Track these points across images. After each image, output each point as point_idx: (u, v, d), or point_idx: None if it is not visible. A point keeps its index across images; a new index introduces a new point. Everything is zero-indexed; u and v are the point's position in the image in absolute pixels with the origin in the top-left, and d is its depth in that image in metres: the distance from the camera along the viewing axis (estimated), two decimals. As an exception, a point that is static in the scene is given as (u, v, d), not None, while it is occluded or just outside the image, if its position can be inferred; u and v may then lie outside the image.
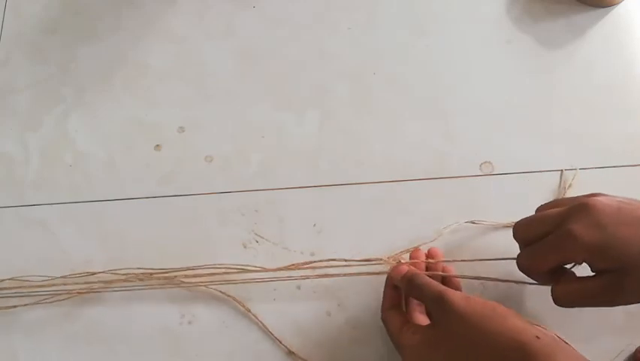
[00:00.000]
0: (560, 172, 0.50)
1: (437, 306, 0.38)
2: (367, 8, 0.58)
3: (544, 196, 0.49)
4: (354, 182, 0.51)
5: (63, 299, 0.48)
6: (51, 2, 0.62)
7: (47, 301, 0.48)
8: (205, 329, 0.47)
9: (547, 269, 0.39)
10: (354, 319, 0.46)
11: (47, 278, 0.49)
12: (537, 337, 0.35)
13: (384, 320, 0.42)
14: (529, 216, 0.41)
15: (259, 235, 0.50)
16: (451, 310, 0.37)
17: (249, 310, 0.47)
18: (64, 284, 0.48)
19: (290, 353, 0.45)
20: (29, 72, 0.59)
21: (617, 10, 0.56)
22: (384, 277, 0.44)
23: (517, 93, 0.54)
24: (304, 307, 0.47)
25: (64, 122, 0.56)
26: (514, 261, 0.41)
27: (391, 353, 0.45)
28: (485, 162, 0.51)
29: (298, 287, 0.48)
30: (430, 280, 0.41)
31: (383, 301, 0.43)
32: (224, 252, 0.49)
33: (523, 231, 0.41)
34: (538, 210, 0.42)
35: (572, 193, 0.48)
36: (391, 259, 0.46)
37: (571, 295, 0.39)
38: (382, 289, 0.44)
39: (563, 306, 0.39)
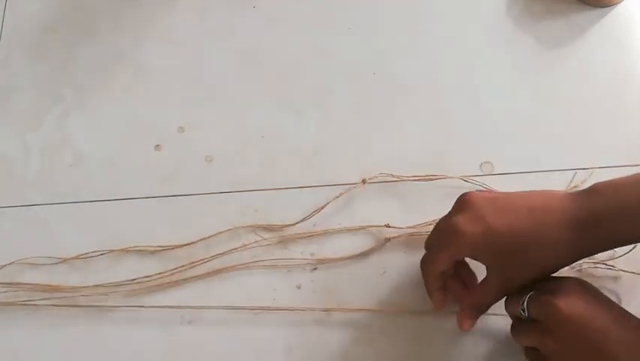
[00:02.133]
0: (559, 172, 0.50)
1: (549, 316, 0.37)
2: (367, 8, 0.58)
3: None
4: (354, 182, 0.51)
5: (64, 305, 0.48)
6: (51, 2, 0.62)
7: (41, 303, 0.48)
8: (205, 328, 0.47)
9: (441, 268, 0.42)
10: (354, 319, 0.46)
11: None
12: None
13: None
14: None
15: (259, 235, 0.50)
16: (561, 322, 0.36)
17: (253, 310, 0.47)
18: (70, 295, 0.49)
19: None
20: (29, 72, 0.59)
21: (617, 10, 0.56)
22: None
23: (517, 93, 0.54)
24: (304, 307, 0.47)
25: (64, 122, 0.56)
26: None
27: (391, 353, 0.45)
28: (485, 162, 0.51)
29: (298, 287, 0.48)
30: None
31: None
32: (224, 252, 0.49)
33: (427, 242, 0.44)
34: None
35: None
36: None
37: (481, 298, 0.41)
38: (382, 288, 0.45)
39: (475, 316, 0.42)
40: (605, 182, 0.38)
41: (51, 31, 0.60)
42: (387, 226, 0.48)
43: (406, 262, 0.48)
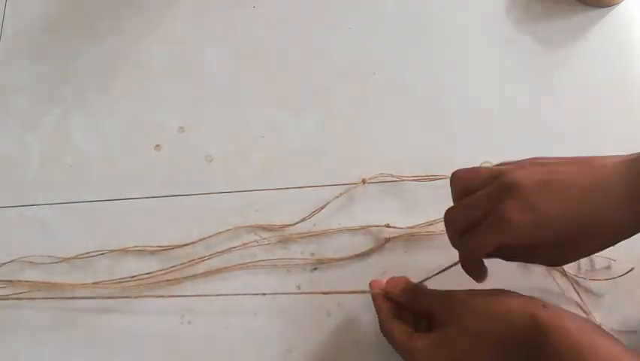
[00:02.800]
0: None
1: (445, 304, 0.40)
2: (367, 8, 0.58)
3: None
4: (354, 182, 0.51)
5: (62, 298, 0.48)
6: (51, 2, 0.62)
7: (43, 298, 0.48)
8: (205, 329, 0.47)
9: (484, 254, 0.40)
10: (354, 319, 0.46)
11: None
12: (543, 306, 0.36)
13: (387, 331, 0.41)
14: (459, 203, 0.41)
15: (259, 235, 0.50)
16: (457, 305, 0.39)
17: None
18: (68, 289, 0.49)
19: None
20: (29, 72, 0.59)
21: (617, 10, 0.56)
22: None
23: (518, 93, 0.54)
24: (304, 307, 0.47)
25: (64, 122, 0.56)
26: None
27: (391, 353, 0.45)
28: (485, 162, 0.51)
29: (298, 287, 0.48)
30: (425, 287, 0.43)
31: (380, 315, 0.42)
32: (224, 250, 0.49)
33: (454, 218, 0.41)
34: (457, 179, 0.42)
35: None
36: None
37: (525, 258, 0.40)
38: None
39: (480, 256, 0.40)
40: None
41: (51, 32, 0.60)
42: (388, 225, 0.48)
43: (406, 261, 0.48)
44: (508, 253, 0.40)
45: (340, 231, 0.49)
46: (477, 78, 0.55)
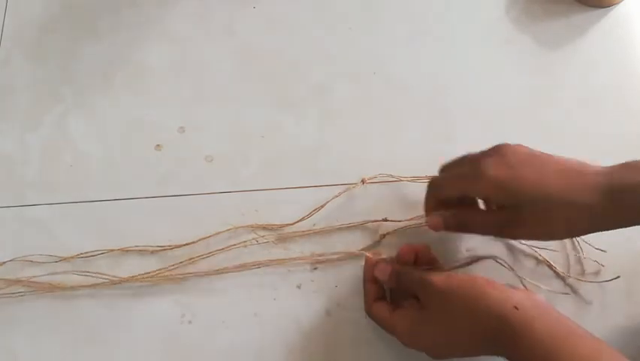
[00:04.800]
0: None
1: (421, 289, 0.41)
2: (367, 8, 0.58)
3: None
4: (354, 182, 0.51)
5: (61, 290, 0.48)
6: (51, 2, 0.62)
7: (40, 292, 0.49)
8: (205, 328, 0.47)
9: (448, 193, 0.42)
10: (354, 319, 0.46)
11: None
12: (515, 307, 0.37)
13: (371, 312, 0.44)
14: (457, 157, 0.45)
15: (259, 235, 0.50)
16: (432, 290, 0.40)
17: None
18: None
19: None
20: (29, 72, 0.59)
21: (617, 10, 0.56)
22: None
23: (517, 93, 0.54)
24: (304, 306, 0.47)
25: (64, 122, 0.56)
26: None
27: (391, 353, 0.45)
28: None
29: (298, 287, 0.48)
30: (412, 269, 0.43)
31: (366, 297, 0.45)
32: (224, 252, 0.49)
33: (444, 166, 0.45)
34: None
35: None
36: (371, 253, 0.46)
37: (477, 219, 0.42)
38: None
39: (465, 231, 0.43)
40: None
41: (51, 32, 0.60)
42: (386, 220, 0.48)
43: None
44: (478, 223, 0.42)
45: (340, 228, 0.49)
46: (477, 78, 0.55)
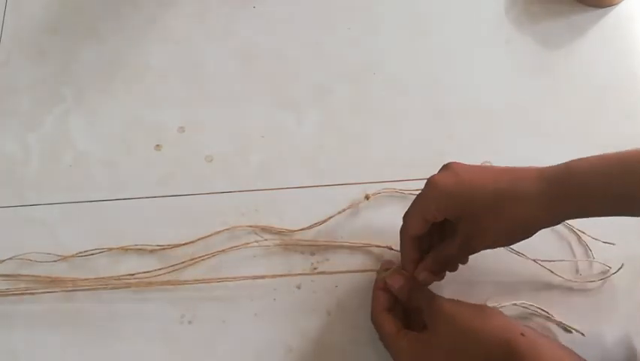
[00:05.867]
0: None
1: (429, 309, 0.41)
2: (367, 8, 0.58)
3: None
4: (354, 182, 0.51)
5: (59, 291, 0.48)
6: (51, 2, 0.62)
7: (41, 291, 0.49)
8: (205, 328, 0.47)
9: (415, 226, 0.42)
10: (354, 319, 0.46)
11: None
12: (522, 334, 0.37)
13: (377, 322, 0.43)
14: None
15: (259, 235, 0.50)
16: (441, 314, 0.40)
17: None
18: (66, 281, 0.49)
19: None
20: (29, 72, 0.59)
21: (617, 10, 0.56)
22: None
23: (517, 93, 0.54)
24: (304, 307, 0.47)
25: (64, 122, 0.56)
26: None
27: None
28: (485, 162, 0.51)
29: (298, 287, 0.48)
30: (424, 288, 0.43)
31: (375, 304, 0.44)
32: (224, 252, 0.49)
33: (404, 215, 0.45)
34: None
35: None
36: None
37: (450, 251, 0.42)
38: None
39: (434, 277, 0.43)
40: (580, 162, 0.38)
41: (51, 32, 0.60)
42: (390, 248, 0.48)
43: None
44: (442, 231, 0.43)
45: (342, 246, 0.49)
46: (477, 78, 0.55)
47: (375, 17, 0.58)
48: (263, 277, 0.48)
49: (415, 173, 0.50)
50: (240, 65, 0.57)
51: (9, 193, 0.53)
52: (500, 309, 0.44)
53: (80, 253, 0.49)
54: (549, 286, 0.46)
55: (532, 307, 0.45)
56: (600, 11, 0.56)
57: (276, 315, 0.47)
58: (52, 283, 0.49)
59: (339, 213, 0.49)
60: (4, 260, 0.50)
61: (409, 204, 0.43)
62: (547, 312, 0.45)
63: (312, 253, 0.49)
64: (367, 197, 0.50)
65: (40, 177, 0.54)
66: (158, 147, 0.54)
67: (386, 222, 0.49)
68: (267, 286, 0.48)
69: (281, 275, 0.48)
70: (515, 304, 0.45)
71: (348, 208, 0.50)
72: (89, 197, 0.53)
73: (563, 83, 0.54)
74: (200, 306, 0.48)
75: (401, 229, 0.44)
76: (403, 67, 0.56)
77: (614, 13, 0.56)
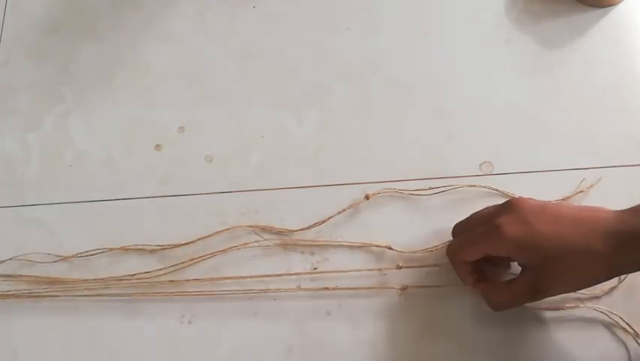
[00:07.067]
0: (559, 172, 0.50)
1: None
2: (367, 8, 0.58)
3: (545, 196, 0.48)
4: (354, 182, 0.51)
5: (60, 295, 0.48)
6: (51, 2, 0.62)
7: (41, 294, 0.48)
8: (205, 328, 0.47)
9: (472, 258, 0.42)
10: (354, 319, 0.46)
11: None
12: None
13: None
14: (466, 218, 0.45)
15: (259, 235, 0.50)
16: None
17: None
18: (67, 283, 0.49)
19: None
20: (29, 72, 0.59)
21: (617, 10, 0.56)
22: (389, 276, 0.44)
23: (517, 93, 0.54)
24: (304, 306, 0.47)
25: (64, 122, 0.56)
26: None
27: (391, 353, 0.45)
28: (485, 162, 0.51)
29: (298, 287, 0.48)
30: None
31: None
32: (224, 252, 0.49)
33: (457, 228, 0.45)
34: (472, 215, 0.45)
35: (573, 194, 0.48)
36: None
37: (504, 298, 0.42)
38: (381, 289, 0.45)
39: (498, 310, 0.42)
40: None
41: (51, 32, 0.60)
42: (389, 248, 0.48)
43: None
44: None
45: (341, 245, 0.49)
46: (477, 78, 0.55)
47: (375, 17, 0.58)
48: (263, 276, 0.48)
49: (415, 173, 0.50)
50: (240, 65, 0.57)
51: (9, 193, 0.53)
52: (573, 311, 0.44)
53: (80, 253, 0.50)
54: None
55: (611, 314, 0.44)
56: (600, 11, 0.56)
57: (276, 315, 0.47)
58: (52, 283, 0.49)
59: (339, 213, 0.49)
60: (4, 261, 0.50)
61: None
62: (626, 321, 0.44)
63: (312, 253, 0.49)
64: (367, 197, 0.50)
65: (40, 177, 0.54)
66: (158, 147, 0.54)
67: (386, 222, 0.49)
68: (267, 286, 0.48)
69: (281, 275, 0.48)
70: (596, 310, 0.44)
71: (348, 208, 0.50)
72: (89, 197, 0.53)
73: (562, 83, 0.54)
74: (200, 306, 0.48)
75: (454, 252, 0.43)
76: (403, 67, 0.56)
77: (614, 13, 0.56)
